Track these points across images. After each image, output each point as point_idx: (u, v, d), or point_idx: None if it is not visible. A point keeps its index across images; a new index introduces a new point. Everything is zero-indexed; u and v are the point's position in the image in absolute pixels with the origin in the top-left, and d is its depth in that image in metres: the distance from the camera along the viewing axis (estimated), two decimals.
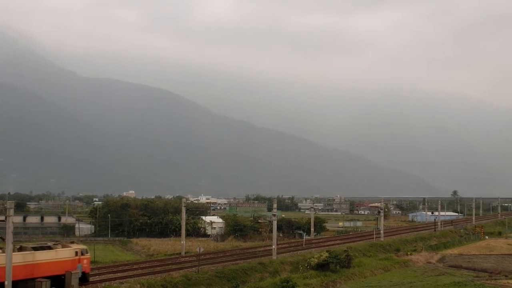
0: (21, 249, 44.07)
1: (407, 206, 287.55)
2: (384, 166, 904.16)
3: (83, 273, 47.13)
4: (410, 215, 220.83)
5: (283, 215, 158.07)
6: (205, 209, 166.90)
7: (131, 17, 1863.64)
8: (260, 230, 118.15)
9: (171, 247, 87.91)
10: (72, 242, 51.41)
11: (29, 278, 42.15)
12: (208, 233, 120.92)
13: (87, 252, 49.00)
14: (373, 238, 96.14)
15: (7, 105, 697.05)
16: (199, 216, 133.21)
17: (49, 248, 46.06)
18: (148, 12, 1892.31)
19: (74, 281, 44.40)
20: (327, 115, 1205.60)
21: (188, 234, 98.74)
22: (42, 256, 44.21)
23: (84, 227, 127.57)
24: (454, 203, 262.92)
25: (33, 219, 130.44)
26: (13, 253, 39.56)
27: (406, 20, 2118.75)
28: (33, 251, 44.19)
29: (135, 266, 60.68)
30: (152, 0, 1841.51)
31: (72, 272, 44.63)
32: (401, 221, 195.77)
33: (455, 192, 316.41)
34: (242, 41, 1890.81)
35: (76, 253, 47.27)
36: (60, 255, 45.91)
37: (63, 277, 45.01)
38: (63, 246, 47.56)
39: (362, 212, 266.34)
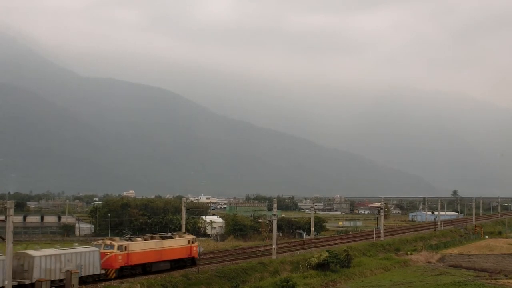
0: (152, 238, 55.96)
1: (407, 206, 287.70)
2: (384, 166, 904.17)
3: (193, 258, 58.39)
4: (410, 214, 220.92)
5: (283, 215, 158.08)
6: (205, 209, 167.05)
7: (131, 17, 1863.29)
8: (260, 229, 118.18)
9: None
10: (184, 233, 62.54)
11: (158, 261, 54.27)
12: (208, 233, 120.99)
13: (196, 241, 60.23)
14: (373, 237, 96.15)
15: (7, 105, 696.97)
16: (199, 215, 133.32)
17: (171, 237, 57.89)
18: (148, 12, 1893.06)
19: (74, 281, 44.39)
20: (327, 115, 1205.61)
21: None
22: (167, 244, 55.88)
23: (84, 227, 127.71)
24: (454, 202, 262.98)
25: (33, 219, 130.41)
26: (148, 241, 54.33)
27: (406, 20, 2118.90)
28: (161, 240, 55.97)
29: None
30: (152, 0, 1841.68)
31: (72, 272, 44.72)
32: (401, 220, 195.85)
33: (455, 192, 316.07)
34: (242, 41, 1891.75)
35: (188, 242, 58.75)
36: (178, 243, 57.48)
37: (180, 260, 56.86)
38: (180, 236, 59.15)
39: (362, 212, 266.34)
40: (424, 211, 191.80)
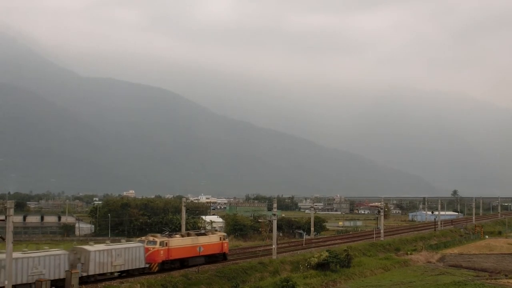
0: (188, 234, 61.20)
1: (407, 206, 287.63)
2: (384, 166, 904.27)
3: (224, 253, 63.56)
4: (410, 214, 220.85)
5: (283, 215, 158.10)
6: (205, 209, 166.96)
7: (131, 17, 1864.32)
8: (260, 229, 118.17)
9: None
10: (216, 231, 68.77)
11: (194, 256, 58.46)
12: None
13: (226, 238, 65.39)
14: (373, 237, 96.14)
15: (7, 105, 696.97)
16: (199, 215, 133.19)
17: (205, 234, 62.90)
18: (148, 12, 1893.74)
19: (74, 281, 44.42)
20: (327, 115, 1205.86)
21: (189, 234, 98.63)
22: (202, 240, 60.39)
23: (84, 227, 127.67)
24: (454, 202, 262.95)
25: (33, 219, 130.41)
26: (186, 237, 59.09)
27: (405, 20, 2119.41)
28: (196, 236, 60.74)
29: None
30: (152, 0, 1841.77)
31: (72, 272, 44.76)
32: (401, 220, 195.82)
33: (455, 192, 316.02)
34: (242, 41, 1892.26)
35: (220, 238, 63.53)
36: (212, 240, 62.08)
37: (212, 256, 61.46)
38: (212, 233, 64.34)
39: (362, 212, 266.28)
40: (424, 211, 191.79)
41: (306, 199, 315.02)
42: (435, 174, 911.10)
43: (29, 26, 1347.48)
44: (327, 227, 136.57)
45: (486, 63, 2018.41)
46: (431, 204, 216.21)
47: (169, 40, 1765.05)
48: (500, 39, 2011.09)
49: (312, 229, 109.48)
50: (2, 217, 37.74)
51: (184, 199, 76.18)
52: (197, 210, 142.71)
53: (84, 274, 46.72)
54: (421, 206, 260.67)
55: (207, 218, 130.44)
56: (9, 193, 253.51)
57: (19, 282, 41.62)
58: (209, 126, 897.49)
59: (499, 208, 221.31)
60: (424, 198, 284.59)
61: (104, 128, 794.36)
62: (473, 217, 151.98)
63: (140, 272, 51.86)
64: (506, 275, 64.58)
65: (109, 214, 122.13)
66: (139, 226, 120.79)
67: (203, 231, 66.72)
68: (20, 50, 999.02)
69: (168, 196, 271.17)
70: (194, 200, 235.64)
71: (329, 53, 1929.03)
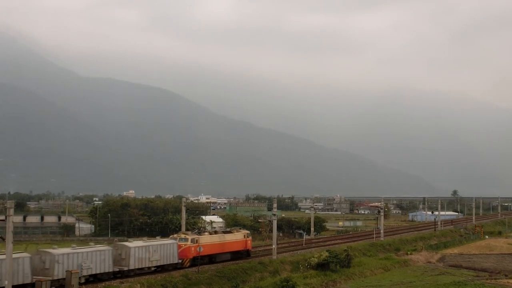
0: (216, 232, 65.53)
1: (407, 206, 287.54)
2: (384, 166, 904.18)
3: (248, 250, 67.19)
4: (410, 214, 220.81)
5: (283, 215, 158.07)
6: (205, 209, 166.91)
7: (131, 17, 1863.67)
8: (260, 229, 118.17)
9: None
10: (240, 229, 72.62)
11: (221, 252, 62.58)
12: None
13: (249, 236, 69.06)
14: (373, 237, 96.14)
15: (7, 105, 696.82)
16: (199, 215, 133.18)
17: (230, 232, 67.29)
18: (148, 12, 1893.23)
19: (74, 281, 44.41)
20: (327, 115, 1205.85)
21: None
22: (228, 238, 64.30)
23: (84, 227, 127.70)
24: (454, 202, 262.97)
25: (33, 219, 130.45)
26: (213, 235, 63.39)
27: (405, 20, 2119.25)
28: (223, 234, 65.04)
29: None
30: (152, 0, 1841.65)
31: (72, 272, 44.75)
32: (401, 220, 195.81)
33: (455, 192, 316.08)
34: (242, 41, 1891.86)
35: (244, 236, 67.34)
36: (237, 237, 65.95)
37: (237, 252, 65.19)
38: (237, 231, 68.22)
39: (362, 212, 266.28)
40: (424, 211, 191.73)
41: (306, 199, 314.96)
42: (435, 174, 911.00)
43: (29, 26, 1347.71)
44: (327, 227, 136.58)
45: (486, 63, 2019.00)
46: (431, 204, 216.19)
47: (169, 40, 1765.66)
48: (500, 39, 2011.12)
49: (312, 229, 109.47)
50: (2, 217, 37.74)
51: (184, 199, 76.20)
52: (197, 210, 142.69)
53: (125, 268, 50.69)
54: (421, 206, 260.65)
55: (207, 218, 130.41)
56: (9, 193, 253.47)
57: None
58: (209, 126, 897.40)
59: (499, 208, 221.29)
60: (424, 198, 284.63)
61: (104, 128, 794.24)
62: (473, 217, 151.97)
63: (173, 267, 55.64)
64: (506, 275, 64.57)
65: (109, 214, 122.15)
66: (139, 226, 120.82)
67: (229, 229, 72.41)
68: (20, 50, 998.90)
69: (168, 196, 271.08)
70: (194, 200, 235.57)
71: (329, 53, 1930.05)
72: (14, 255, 41.18)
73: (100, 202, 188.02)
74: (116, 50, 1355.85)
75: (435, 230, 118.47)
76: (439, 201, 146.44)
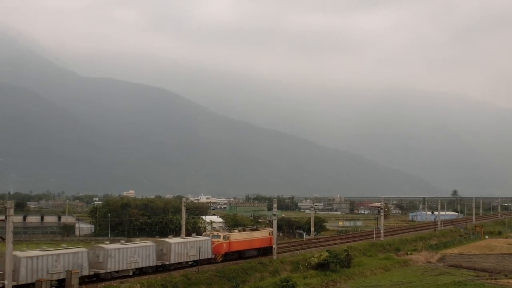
0: (243, 230, 69.45)
1: (407, 206, 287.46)
2: (384, 166, 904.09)
3: (271, 247, 69.03)
4: (410, 214, 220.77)
5: (283, 215, 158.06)
6: (205, 209, 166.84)
7: (131, 17, 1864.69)
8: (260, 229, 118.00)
9: None
10: (265, 227, 77.89)
11: (249, 248, 66.43)
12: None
13: (273, 233, 70.73)
14: (373, 237, 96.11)
15: (7, 105, 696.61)
16: (199, 215, 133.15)
17: (257, 229, 71.93)
18: (148, 12, 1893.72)
19: (74, 281, 44.41)
20: (327, 115, 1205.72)
21: (188, 234, 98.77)
22: (255, 235, 68.42)
23: (84, 227, 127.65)
24: (454, 202, 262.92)
25: (33, 219, 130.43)
26: (242, 232, 67.60)
27: (405, 20, 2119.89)
28: (251, 232, 69.32)
29: None
30: (152, 0, 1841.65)
31: (72, 272, 44.75)
32: (401, 220, 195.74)
33: (455, 192, 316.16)
34: (242, 41, 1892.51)
35: (269, 233, 70.52)
36: (262, 234, 69.79)
37: (262, 249, 68.34)
38: (262, 229, 72.74)
39: (362, 212, 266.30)
40: (424, 211, 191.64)
41: (306, 199, 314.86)
42: (435, 174, 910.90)
43: (29, 26, 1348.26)
44: (327, 227, 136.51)
45: (486, 63, 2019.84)
46: (431, 204, 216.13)
47: (169, 40, 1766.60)
48: (500, 39, 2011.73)
49: (312, 229, 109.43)
50: (2, 217, 37.76)
51: (184, 199, 76.18)
52: (197, 210, 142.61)
53: (167, 262, 55.05)
54: (421, 206, 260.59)
55: (207, 218, 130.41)
56: (9, 193, 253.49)
57: (121, 268, 50.53)
58: (209, 126, 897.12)
59: (499, 208, 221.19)
60: (424, 198, 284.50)
61: (104, 128, 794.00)
62: (473, 217, 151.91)
63: (207, 262, 59.79)
64: (506, 275, 64.55)
65: (109, 214, 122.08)
66: (139, 226, 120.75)
67: (255, 227, 77.40)
68: (20, 50, 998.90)
69: (168, 196, 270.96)
70: (194, 200, 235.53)
71: (329, 53, 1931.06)
72: (74, 250, 47.81)
73: (100, 202, 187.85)
74: (116, 50, 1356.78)
75: (435, 230, 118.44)
76: (439, 201, 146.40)
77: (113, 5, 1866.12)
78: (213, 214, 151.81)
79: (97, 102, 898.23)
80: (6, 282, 38.27)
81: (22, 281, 41.83)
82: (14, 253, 42.12)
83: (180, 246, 56.60)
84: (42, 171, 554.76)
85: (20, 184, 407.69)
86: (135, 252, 51.78)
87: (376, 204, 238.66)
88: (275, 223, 69.80)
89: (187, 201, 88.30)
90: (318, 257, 64.01)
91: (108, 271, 49.11)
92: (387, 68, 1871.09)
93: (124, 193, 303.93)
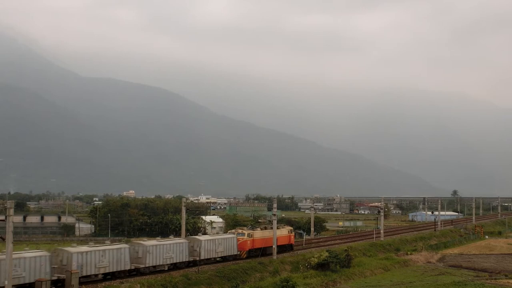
0: (265, 228, 71.02)
1: (407, 206, 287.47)
2: (384, 166, 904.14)
3: (291, 244, 74.58)
4: (410, 214, 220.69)
5: (283, 215, 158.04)
6: (205, 209, 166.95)
7: (131, 17, 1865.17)
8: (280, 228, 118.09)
9: None
10: (285, 225, 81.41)
11: (270, 246, 67.97)
12: (208, 233, 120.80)
13: (293, 231, 77.46)
14: (373, 237, 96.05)
15: (7, 105, 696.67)
16: (199, 215, 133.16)
17: (278, 228, 72.02)
18: (148, 12, 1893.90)
19: (74, 281, 44.39)
20: (327, 115, 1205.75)
21: (188, 234, 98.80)
22: (277, 233, 69.53)
23: (84, 227, 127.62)
24: (454, 202, 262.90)
25: (33, 219, 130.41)
26: (264, 230, 69.48)
27: (405, 20, 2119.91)
28: (272, 229, 69.74)
29: None
30: (151, 0, 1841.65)
31: (72, 272, 44.73)
32: (401, 220, 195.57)
33: (455, 192, 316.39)
34: (242, 41, 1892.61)
35: (289, 232, 74.93)
36: (282, 233, 72.83)
37: (283, 246, 71.84)
38: (282, 227, 75.49)
39: (362, 212, 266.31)
40: (424, 211, 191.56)
41: (306, 199, 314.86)
42: (435, 174, 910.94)
43: (29, 26, 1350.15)
44: (327, 227, 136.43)
45: (486, 63, 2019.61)
46: (431, 204, 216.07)
47: (169, 40, 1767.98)
48: (500, 39, 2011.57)
49: (312, 229, 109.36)
50: (2, 217, 37.72)
51: (184, 199, 76.09)
52: (197, 210, 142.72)
53: (197, 258, 57.85)
54: (421, 206, 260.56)
55: (207, 218, 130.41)
56: (9, 193, 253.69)
57: (157, 263, 53.66)
58: (209, 126, 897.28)
59: (499, 208, 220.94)
60: (424, 198, 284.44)
61: (104, 128, 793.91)
62: (473, 217, 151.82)
63: (233, 258, 63.03)
64: (506, 275, 64.52)
65: (109, 214, 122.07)
66: (139, 226, 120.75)
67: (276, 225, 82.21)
68: (20, 50, 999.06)
69: (168, 196, 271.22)
70: (194, 200, 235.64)
71: (329, 53, 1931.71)
72: (117, 246, 51.35)
73: (100, 202, 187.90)
74: (116, 50, 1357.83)
75: (435, 230, 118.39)
76: (439, 201, 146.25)
77: (113, 5, 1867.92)
78: (213, 214, 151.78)
79: (97, 102, 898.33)
80: (6, 282, 38.26)
81: None
82: (66, 248, 47.62)
83: (209, 243, 59.97)
84: (42, 171, 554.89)
85: (20, 184, 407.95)
86: (170, 248, 55.17)
87: (376, 204, 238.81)
88: (275, 223, 69.75)
89: (187, 201, 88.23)
90: (318, 257, 63.98)
91: (147, 265, 52.42)
92: (387, 68, 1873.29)
93: (124, 193, 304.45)
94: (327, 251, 67.15)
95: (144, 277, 50.96)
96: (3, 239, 37.71)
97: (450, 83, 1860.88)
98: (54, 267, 44.80)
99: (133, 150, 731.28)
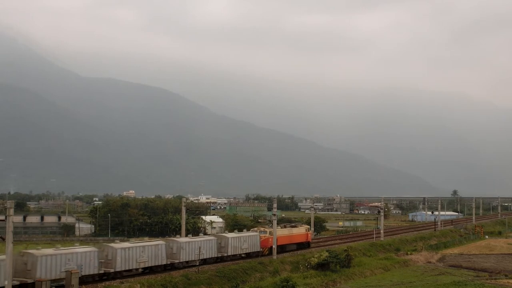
0: (285, 227, 75.82)
1: (407, 206, 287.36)
2: (384, 166, 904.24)
3: (308, 242, 78.16)
4: (410, 214, 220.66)
5: (283, 215, 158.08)
6: (205, 209, 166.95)
7: (131, 17, 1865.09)
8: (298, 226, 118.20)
9: None
10: (303, 224, 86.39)
11: (289, 243, 73.04)
12: (208, 233, 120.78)
13: (310, 230, 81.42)
14: (373, 237, 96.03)
15: (7, 105, 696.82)
16: (199, 215, 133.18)
17: (296, 226, 79.12)
18: (148, 12, 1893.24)
19: (74, 281, 44.38)
20: (327, 115, 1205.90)
21: (188, 234, 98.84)
22: (294, 231, 75.33)
23: (84, 227, 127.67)
24: (454, 202, 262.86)
25: (33, 219, 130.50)
26: (284, 229, 73.61)
27: (405, 20, 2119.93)
28: (291, 228, 76.16)
29: None
30: (151, 0, 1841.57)
31: (72, 272, 44.72)
32: (401, 220, 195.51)
33: (455, 192, 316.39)
34: (242, 41, 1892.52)
35: (306, 230, 78.80)
36: (300, 231, 77.13)
37: (300, 244, 75.93)
38: (300, 226, 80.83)
39: (362, 212, 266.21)
40: (424, 211, 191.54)
41: (306, 199, 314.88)
42: (435, 174, 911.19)
43: (29, 26, 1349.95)
44: (327, 227, 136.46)
45: (486, 63, 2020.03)
46: (431, 204, 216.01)
47: (169, 40, 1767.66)
48: (500, 39, 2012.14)
49: (312, 229, 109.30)
50: (2, 217, 37.69)
51: (184, 199, 76.08)
52: (197, 210, 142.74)
53: (225, 254, 61.99)
54: (421, 206, 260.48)
55: (207, 218, 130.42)
56: (9, 193, 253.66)
57: (190, 259, 57.26)
58: (209, 126, 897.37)
59: (499, 208, 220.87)
60: (424, 198, 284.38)
61: (104, 128, 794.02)
62: (473, 217, 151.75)
63: (256, 254, 66.02)
64: (506, 275, 64.50)
65: (109, 214, 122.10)
66: (139, 226, 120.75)
67: (294, 224, 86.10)
68: (20, 50, 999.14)
69: (168, 196, 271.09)
70: (194, 200, 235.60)
71: (329, 53, 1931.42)
72: (155, 242, 55.52)
73: (100, 202, 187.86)
74: (116, 50, 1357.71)
75: (435, 230, 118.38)
76: (439, 201, 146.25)
77: (113, 5, 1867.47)
78: (213, 214, 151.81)
79: (97, 102, 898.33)
80: (6, 282, 38.27)
81: (118, 268, 49.65)
82: (110, 244, 51.81)
83: (236, 240, 63.75)
84: (42, 171, 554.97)
85: (20, 184, 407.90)
86: (201, 245, 58.50)
87: (376, 204, 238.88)
88: (275, 223, 69.75)
89: (187, 201, 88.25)
90: (318, 257, 63.96)
91: (181, 261, 56.23)
92: (387, 68, 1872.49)
93: (124, 193, 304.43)
94: (327, 251, 67.12)
95: (144, 277, 50.96)
96: (3, 239, 37.70)
97: (450, 83, 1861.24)
98: (101, 261, 48.71)
99: (133, 150, 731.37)
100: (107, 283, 47.92)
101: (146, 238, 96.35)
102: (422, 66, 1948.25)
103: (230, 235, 65.04)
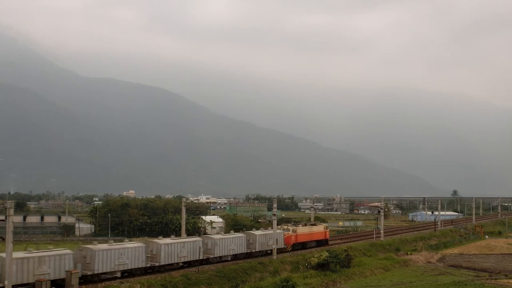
0: (305, 225, 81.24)
1: (407, 206, 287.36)
2: (384, 166, 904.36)
3: (326, 239, 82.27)
4: (410, 214, 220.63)
5: (283, 215, 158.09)
6: (205, 209, 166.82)
7: (131, 17, 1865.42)
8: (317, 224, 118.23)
9: None
10: (321, 222, 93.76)
11: (309, 240, 77.50)
12: (208, 233, 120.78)
13: (327, 228, 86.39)
14: (373, 237, 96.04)
15: (7, 105, 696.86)
16: (199, 215, 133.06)
17: (315, 224, 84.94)
18: (148, 12, 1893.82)
19: (74, 281, 44.38)
20: (327, 115, 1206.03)
21: (188, 234, 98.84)
22: (314, 229, 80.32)
23: (84, 227, 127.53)
24: (454, 202, 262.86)
25: (33, 219, 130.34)
26: (304, 227, 78.93)
27: (405, 20, 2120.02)
28: (311, 226, 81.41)
29: None
30: (151, 0, 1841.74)
31: (72, 272, 44.72)
32: (401, 220, 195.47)
33: (455, 192, 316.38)
34: (242, 41, 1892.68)
35: (324, 228, 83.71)
36: (319, 229, 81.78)
37: (319, 241, 79.60)
38: (319, 224, 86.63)
39: (362, 212, 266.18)
40: (424, 211, 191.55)
41: (306, 199, 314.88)
42: (435, 174, 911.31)
43: (29, 26, 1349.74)
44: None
45: (486, 63, 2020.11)
46: (431, 204, 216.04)
47: (169, 40, 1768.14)
48: (500, 39, 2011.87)
49: None
50: (2, 217, 37.68)
51: (184, 199, 76.03)
52: (197, 210, 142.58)
53: (253, 250, 65.69)
54: (421, 206, 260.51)
55: (207, 218, 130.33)
56: (9, 193, 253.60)
57: (223, 254, 61.45)
58: (209, 126, 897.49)
59: (499, 208, 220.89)
60: (424, 198, 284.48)
61: (104, 128, 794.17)
62: (473, 217, 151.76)
63: (281, 250, 69.19)
64: (506, 275, 64.48)
65: (109, 214, 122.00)
66: (139, 226, 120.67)
67: (313, 222, 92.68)
68: (20, 50, 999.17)
69: (168, 196, 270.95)
70: (194, 200, 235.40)
71: (329, 53, 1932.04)
72: (193, 239, 59.45)
73: (100, 202, 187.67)
74: (116, 50, 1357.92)
75: (435, 230, 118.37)
76: (439, 201, 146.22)
77: (113, 5, 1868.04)
78: (213, 214, 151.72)
79: (97, 102, 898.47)
80: (6, 282, 38.26)
81: (162, 262, 53.41)
82: (155, 240, 55.76)
83: (263, 237, 67.43)
84: (42, 171, 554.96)
85: (20, 184, 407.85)
86: (233, 241, 62.87)
87: (376, 204, 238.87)
88: (275, 223, 69.75)
89: (187, 201, 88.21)
90: (318, 257, 63.94)
91: (215, 256, 60.35)
92: (387, 68, 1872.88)
93: (124, 193, 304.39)
94: (327, 251, 67.10)
95: (144, 277, 50.94)
96: (3, 239, 37.69)
97: (450, 83, 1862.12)
98: (147, 256, 52.51)
99: (133, 150, 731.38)
100: (107, 283, 47.91)
101: (146, 238, 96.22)
102: (422, 66, 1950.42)
103: (257, 232, 68.82)
